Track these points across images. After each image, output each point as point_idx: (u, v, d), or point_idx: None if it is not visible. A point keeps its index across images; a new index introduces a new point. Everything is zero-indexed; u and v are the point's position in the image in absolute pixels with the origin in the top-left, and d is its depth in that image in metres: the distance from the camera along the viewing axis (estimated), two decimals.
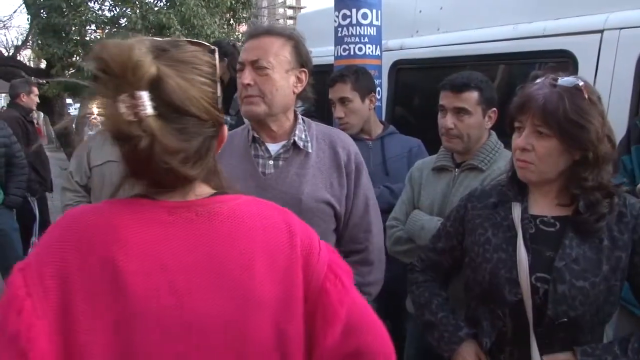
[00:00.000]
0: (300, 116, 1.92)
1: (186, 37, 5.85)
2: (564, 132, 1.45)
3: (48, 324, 0.89)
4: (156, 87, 0.89)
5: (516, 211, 1.59)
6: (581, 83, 1.48)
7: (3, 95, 36.20)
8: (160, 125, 0.89)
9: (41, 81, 12.57)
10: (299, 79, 1.84)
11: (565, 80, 1.49)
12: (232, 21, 11.00)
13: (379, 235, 2.00)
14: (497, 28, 3.28)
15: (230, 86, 4.65)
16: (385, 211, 2.36)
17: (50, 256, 0.93)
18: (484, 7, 3.55)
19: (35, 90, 5.64)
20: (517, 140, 1.54)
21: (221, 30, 9.84)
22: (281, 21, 30.33)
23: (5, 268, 4.55)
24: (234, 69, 4.56)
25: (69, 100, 15.65)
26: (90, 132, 14.17)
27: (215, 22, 9.74)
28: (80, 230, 0.95)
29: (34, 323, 0.88)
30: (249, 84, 1.77)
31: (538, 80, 1.53)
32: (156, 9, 9.51)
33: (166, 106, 0.91)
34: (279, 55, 1.78)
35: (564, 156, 1.50)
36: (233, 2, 10.36)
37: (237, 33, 11.12)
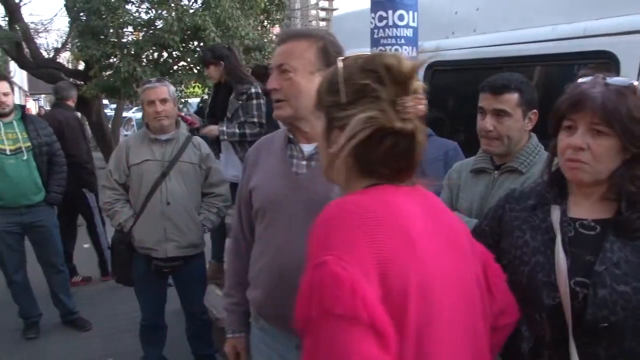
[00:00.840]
0: None
1: (221, 39, 6.00)
2: (626, 130, 1.43)
3: (376, 295, 0.99)
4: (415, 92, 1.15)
5: (555, 214, 1.57)
6: (636, 83, 1.46)
7: (42, 96, 37.12)
8: (420, 123, 1.15)
9: (79, 82, 12.88)
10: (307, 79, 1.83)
11: (617, 80, 1.47)
12: (265, 23, 11.07)
13: None
14: (535, 29, 3.23)
15: (225, 89, 4.73)
16: None
17: (360, 241, 1.02)
18: (522, 8, 3.51)
19: (76, 93, 5.93)
20: (571, 139, 1.50)
21: (255, 32, 9.91)
22: (314, 23, 30.35)
23: (45, 262, 4.68)
24: (228, 73, 4.64)
25: (105, 101, 15.97)
26: (126, 133, 14.44)
27: (250, 24, 9.82)
28: (374, 212, 1.07)
29: (367, 295, 0.97)
30: (274, 89, 1.81)
31: (584, 80, 1.51)
32: (191, 11, 9.63)
33: None
34: (302, 58, 1.80)
35: (619, 155, 1.47)
36: (267, 3, 10.44)
37: (270, 35, 11.19)
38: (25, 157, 4.36)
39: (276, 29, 12.51)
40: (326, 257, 0.99)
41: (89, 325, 4.82)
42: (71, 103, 5.92)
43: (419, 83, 1.15)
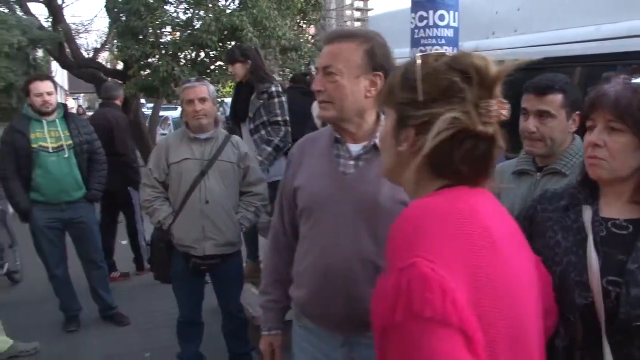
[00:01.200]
0: (383, 117, 1.92)
1: (258, 39, 6.04)
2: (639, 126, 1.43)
3: (465, 297, 0.97)
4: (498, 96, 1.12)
5: (587, 214, 1.56)
6: None
7: (82, 95, 37.91)
8: (500, 128, 1.13)
9: (118, 82, 13.14)
10: (372, 83, 1.83)
11: None
12: (302, 23, 11.11)
13: None
14: (578, 29, 3.18)
15: (247, 89, 4.75)
16: None
17: (447, 242, 1.01)
18: (564, 8, 3.45)
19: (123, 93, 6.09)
20: (589, 136, 1.52)
21: (291, 32, 9.95)
22: (349, 23, 30.36)
23: (85, 258, 4.79)
24: (252, 72, 4.66)
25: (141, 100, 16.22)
26: (162, 131, 14.66)
27: (286, 24, 9.86)
28: (458, 213, 1.06)
29: (457, 298, 0.95)
30: (319, 90, 1.82)
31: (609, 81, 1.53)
32: (228, 11, 9.72)
33: None
34: (349, 61, 1.79)
35: (637, 152, 1.46)
36: (303, 4, 10.47)
37: (306, 35, 11.23)
38: (66, 155, 4.46)
39: (311, 30, 12.54)
40: (413, 258, 0.96)
41: (126, 320, 4.91)
42: (118, 102, 6.06)
43: (500, 88, 1.13)
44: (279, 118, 4.54)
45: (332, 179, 1.88)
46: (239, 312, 3.82)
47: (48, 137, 4.41)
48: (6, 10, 10.54)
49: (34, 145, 4.35)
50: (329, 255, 1.85)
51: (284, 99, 4.61)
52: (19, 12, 11.88)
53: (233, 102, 5.08)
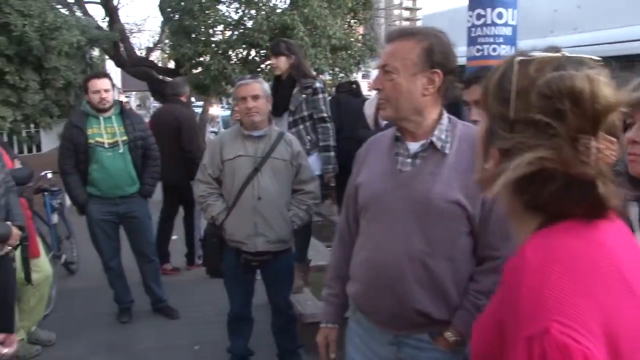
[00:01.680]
0: (446, 116, 1.91)
1: (309, 38, 6.05)
2: None
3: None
4: (609, 130, 0.91)
5: (634, 211, 1.55)
6: None
7: (133, 93, 38.85)
8: (608, 170, 0.91)
9: (170, 80, 13.40)
10: (430, 81, 1.81)
11: None
12: (352, 22, 11.10)
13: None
14: None
15: (287, 84, 4.74)
16: None
17: (580, 299, 0.82)
18: (627, 5, 3.33)
19: (187, 89, 6.20)
20: (628, 133, 1.50)
21: (342, 32, 9.96)
22: (397, 23, 30.19)
23: (138, 252, 4.90)
24: (296, 68, 4.66)
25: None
26: (212, 129, 14.88)
27: (337, 23, 9.87)
28: (588, 260, 0.87)
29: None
30: (379, 89, 1.83)
31: None
32: (280, 10, 9.79)
33: None
34: (405, 59, 1.78)
35: None
36: (354, 3, 10.46)
37: (356, 34, 11.21)
38: (121, 150, 4.55)
39: (361, 29, 12.51)
40: (547, 323, 0.80)
41: (176, 314, 4.99)
42: (184, 99, 6.13)
43: (616, 118, 0.90)
44: (325, 114, 4.56)
45: (389, 177, 1.90)
46: (288, 309, 3.84)
47: (104, 133, 4.51)
48: (66, 12, 10.88)
49: (91, 141, 4.46)
50: (380, 251, 1.87)
51: (327, 95, 4.65)
52: (78, 13, 12.27)
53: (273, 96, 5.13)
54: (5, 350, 2.11)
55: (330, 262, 2.28)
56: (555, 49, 0.95)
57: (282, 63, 4.66)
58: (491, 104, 0.99)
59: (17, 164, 4.16)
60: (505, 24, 3.27)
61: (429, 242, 1.81)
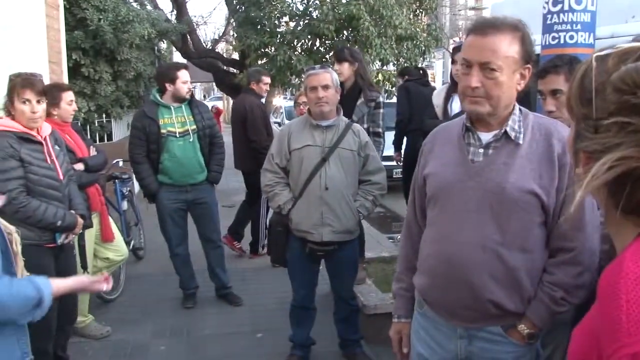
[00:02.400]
0: (517, 106, 1.88)
1: (375, 28, 6.02)
2: None
3: None
4: None
5: None
6: None
7: (198, 84, 39.71)
8: None
9: (235, 71, 13.60)
10: (522, 76, 1.80)
11: None
12: (417, 12, 10.92)
13: (593, 237, 1.84)
14: None
15: (354, 92, 4.68)
16: None
17: None
18: None
19: (265, 79, 6.17)
20: None
21: (407, 21, 9.81)
22: (462, 12, 29.49)
23: (205, 238, 5.01)
24: (361, 76, 4.61)
25: None
26: (275, 120, 15.03)
27: (403, 13, 9.74)
28: None
29: None
30: (475, 87, 1.77)
31: None
32: (345, 0, 9.74)
33: None
34: (507, 57, 1.75)
35: None
36: None
37: (422, 24, 11.03)
38: (191, 139, 4.68)
39: (426, 19, 12.29)
40: None
41: (240, 301, 5.07)
42: (255, 88, 6.13)
43: None
44: (380, 129, 4.67)
45: (460, 167, 1.87)
46: (352, 299, 3.83)
47: (176, 122, 4.65)
48: (137, 6, 11.21)
49: (163, 131, 4.60)
50: (452, 242, 1.85)
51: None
52: (149, 7, 12.62)
53: None
54: (105, 287, 2.26)
55: (399, 255, 2.26)
56: (638, 39, 0.87)
57: (345, 69, 4.69)
58: (575, 106, 0.93)
59: (93, 151, 4.32)
60: (584, 10, 3.12)
61: (503, 233, 1.79)
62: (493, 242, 1.79)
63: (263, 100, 6.57)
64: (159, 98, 4.68)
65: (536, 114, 1.93)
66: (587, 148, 0.89)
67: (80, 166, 4.01)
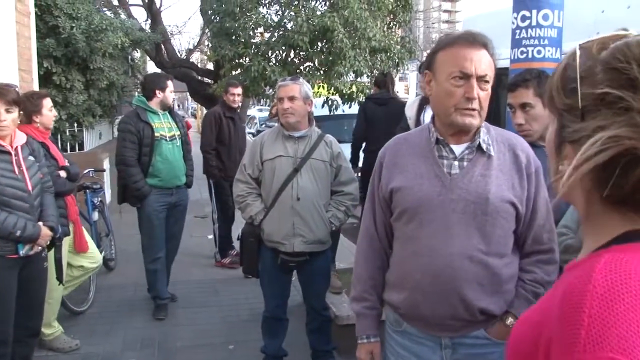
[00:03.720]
0: None
1: (349, 40, 6.06)
2: None
3: None
4: None
5: None
6: None
7: (176, 94, 39.61)
8: None
9: (209, 81, 13.58)
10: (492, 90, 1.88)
11: None
12: (391, 24, 11.04)
13: (552, 242, 2.00)
14: None
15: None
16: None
17: None
18: None
19: (232, 89, 6.26)
20: None
21: (381, 34, 9.90)
22: (436, 25, 29.96)
23: (173, 236, 5.19)
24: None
25: None
26: (250, 130, 15.02)
27: (377, 25, 9.83)
28: None
29: None
30: (475, 98, 1.80)
31: None
32: (319, 12, 9.80)
33: None
34: (493, 70, 1.83)
35: None
36: (393, 5, 10.40)
37: (396, 36, 11.14)
38: (178, 144, 4.97)
39: (400, 31, 12.43)
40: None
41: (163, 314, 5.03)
42: (225, 97, 6.32)
43: None
44: None
45: (437, 180, 1.89)
46: (324, 310, 3.83)
47: (165, 127, 4.89)
48: (111, 14, 11.14)
49: (157, 134, 4.81)
50: (440, 255, 1.85)
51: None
52: (122, 16, 12.55)
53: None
54: None
55: (357, 273, 2.17)
56: (624, 29, 0.85)
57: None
58: (558, 98, 0.90)
59: (65, 162, 4.31)
60: (551, 26, 3.20)
61: (488, 242, 1.85)
62: (479, 252, 1.84)
63: (239, 110, 6.65)
64: (147, 104, 4.86)
65: (495, 127, 1.99)
66: (574, 136, 0.85)
67: (63, 173, 4.10)
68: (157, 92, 4.86)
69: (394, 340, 2.05)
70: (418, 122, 4.20)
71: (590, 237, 0.91)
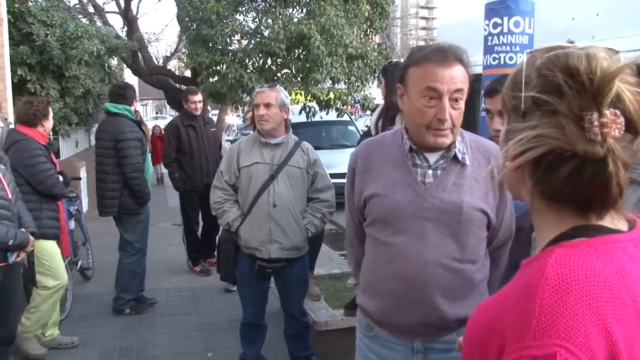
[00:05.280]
0: None
1: (325, 47, 6.00)
2: None
3: None
4: (616, 105, 0.86)
5: None
6: None
7: (150, 101, 39.28)
8: (618, 147, 0.86)
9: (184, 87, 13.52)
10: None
11: None
12: (368, 31, 11.11)
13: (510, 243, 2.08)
14: None
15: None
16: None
17: (592, 327, 0.80)
18: None
19: (191, 97, 6.20)
20: None
21: (358, 41, 9.96)
22: (413, 32, 30.25)
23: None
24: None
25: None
26: (227, 137, 14.98)
27: (353, 32, 9.89)
28: (607, 286, 0.83)
29: None
30: (446, 120, 1.78)
31: None
32: (296, 19, 9.83)
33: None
34: (467, 82, 1.81)
35: None
36: (370, 12, 10.47)
37: (372, 43, 11.21)
38: (148, 152, 5.25)
39: (377, 38, 12.52)
40: (555, 348, 0.78)
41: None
42: (186, 105, 6.28)
43: (626, 89, 0.86)
44: None
45: (410, 188, 1.88)
46: (302, 316, 3.84)
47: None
48: (87, 21, 11.04)
49: None
50: (413, 263, 1.86)
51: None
52: (98, 23, 12.45)
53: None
54: None
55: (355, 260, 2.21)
56: (571, 41, 0.94)
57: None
58: (507, 100, 0.98)
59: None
60: (522, 33, 3.26)
61: (461, 250, 1.86)
62: (453, 260, 1.85)
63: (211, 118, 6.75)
64: (129, 114, 4.95)
65: (469, 133, 1.99)
66: (513, 135, 0.92)
67: (60, 177, 4.30)
68: (134, 102, 5.02)
69: (365, 345, 2.05)
70: (378, 130, 4.13)
71: (539, 232, 0.98)
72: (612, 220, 0.92)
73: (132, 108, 4.96)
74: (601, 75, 0.84)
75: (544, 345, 0.79)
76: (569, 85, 0.85)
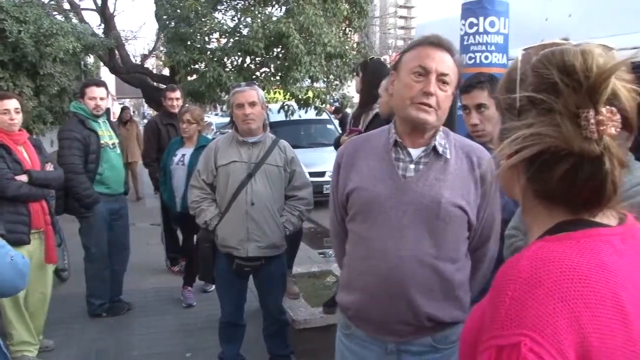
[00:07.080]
0: None
1: (304, 46, 5.97)
2: None
3: None
4: (612, 102, 0.85)
5: None
6: None
7: (127, 100, 38.90)
8: (614, 145, 0.86)
9: (164, 87, 13.42)
10: (452, 95, 1.90)
11: None
12: (347, 30, 11.13)
13: (495, 245, 2.04)
14: (635, 35, 3.09)
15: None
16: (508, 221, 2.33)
17: (563, 320, 0.80)
18: (620, 14, 3.36)
19: (169, 94, 6.13)
20: None
21: (337, 39, 9.98)
22: (392, 31, 30.38)
23: (120, 244, 5.22)
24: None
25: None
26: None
27: (332, 31, 9.89)
28: (583, 279, 0.83)
29: None
30: (431, 93, 1.81)
31: None
32: (275, 18, 9.82)
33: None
34: (456, 75, 1.86)
35: None
36: (349, 11, 10.49)
37: (351, 42, 11.24)
38: (119, 151, 4.99)
39: (355, 37, 12.55)
40: (518, 338, 0.79)
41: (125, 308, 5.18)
42: (164, 102, 6.23)
43: (622, 86, 0.85)
44: None
45: (391, 182, 1.89)
46: (280, 314, 3.84)
47: (106, 135, 4.87)
48: (62, 18, 10.90)
49: (102, 142, 4.79)
50: (390, 258, 1.85)
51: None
52: (74, 20, 12.29)
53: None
54: None
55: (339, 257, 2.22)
56: (565, 38, 0.94)
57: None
58: (502, 98, 0.98)
59: (50, 167, 4.27)
60: (497, 32, 3.30)
61: (438, 247, 1.84)
62: (429, 256, 1.83)
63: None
64: (88, 112, 4.77)
65: (456, 134, 2.01)
66: (509, 134, 0.91)
67: (24, 178, 3.98)
68: (81, 100, 4.85)
69: (343, 343, 2.06)
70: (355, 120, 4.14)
71: (531, 230, 0.98)
72: (602, 216, 0.92)
73: (83, 103, 4.75)
74: (597, 72, 0.83)
75: (510, 335, 0.80)
76: (565, 83, 0.85)
